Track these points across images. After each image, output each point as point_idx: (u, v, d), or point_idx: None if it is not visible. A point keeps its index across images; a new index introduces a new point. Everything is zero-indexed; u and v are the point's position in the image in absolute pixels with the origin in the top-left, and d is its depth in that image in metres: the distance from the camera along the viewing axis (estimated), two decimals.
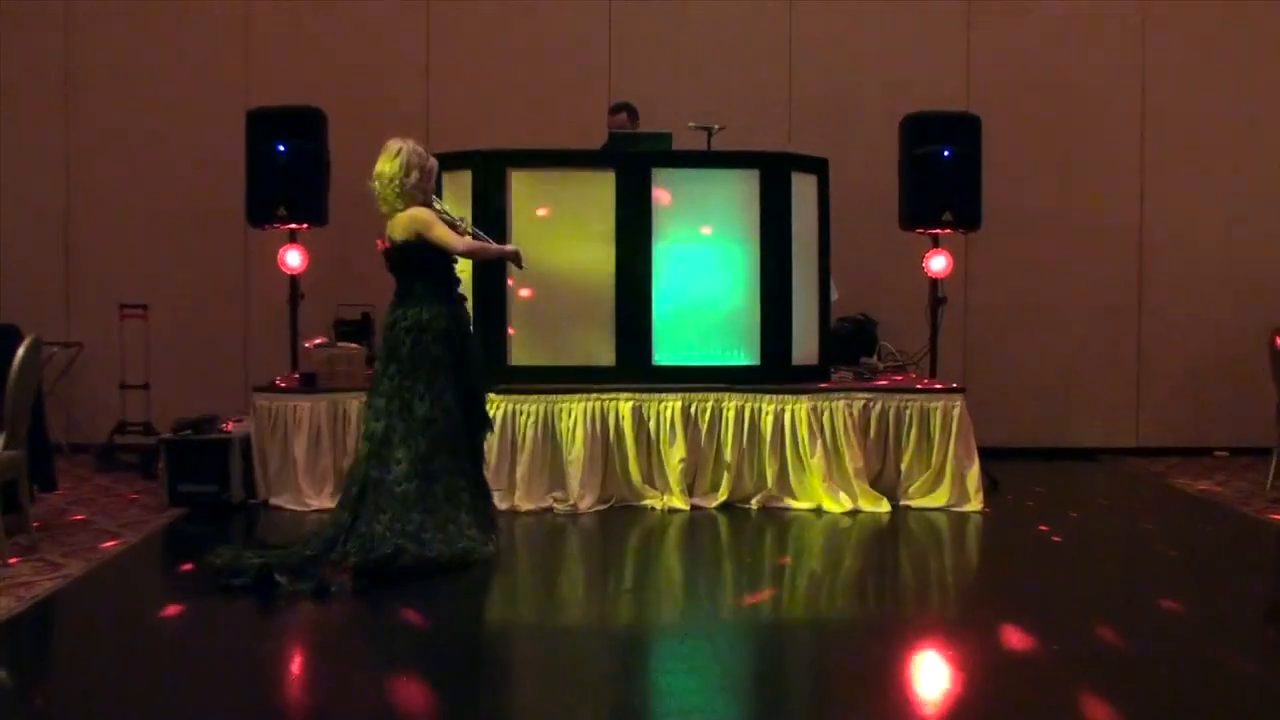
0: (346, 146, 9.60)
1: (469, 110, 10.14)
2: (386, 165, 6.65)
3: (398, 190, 6.63)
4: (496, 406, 7.79)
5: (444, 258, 6.65)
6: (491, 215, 8.02)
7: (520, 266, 7.02)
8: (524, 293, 8.16)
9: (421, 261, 6.62)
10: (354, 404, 7.95)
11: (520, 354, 8.17)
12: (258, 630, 5.54)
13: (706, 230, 8.33)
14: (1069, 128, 10.29)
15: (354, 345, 8.68)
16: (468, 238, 6.86)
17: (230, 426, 8.27)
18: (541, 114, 10.14)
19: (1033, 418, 10.28)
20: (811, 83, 10.29)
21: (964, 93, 10.15)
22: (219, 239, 10.06)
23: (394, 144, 6.70)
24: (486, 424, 6.94)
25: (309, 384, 8.17)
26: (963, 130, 8.93)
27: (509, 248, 7.01)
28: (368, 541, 6.28)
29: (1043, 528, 7.58)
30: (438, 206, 6.84)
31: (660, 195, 8.21)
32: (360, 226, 9.89)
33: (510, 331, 8.16)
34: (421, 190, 6.69)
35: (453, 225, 6.78)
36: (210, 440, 8.02)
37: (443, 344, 6.57)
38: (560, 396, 7.96)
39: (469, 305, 6.92)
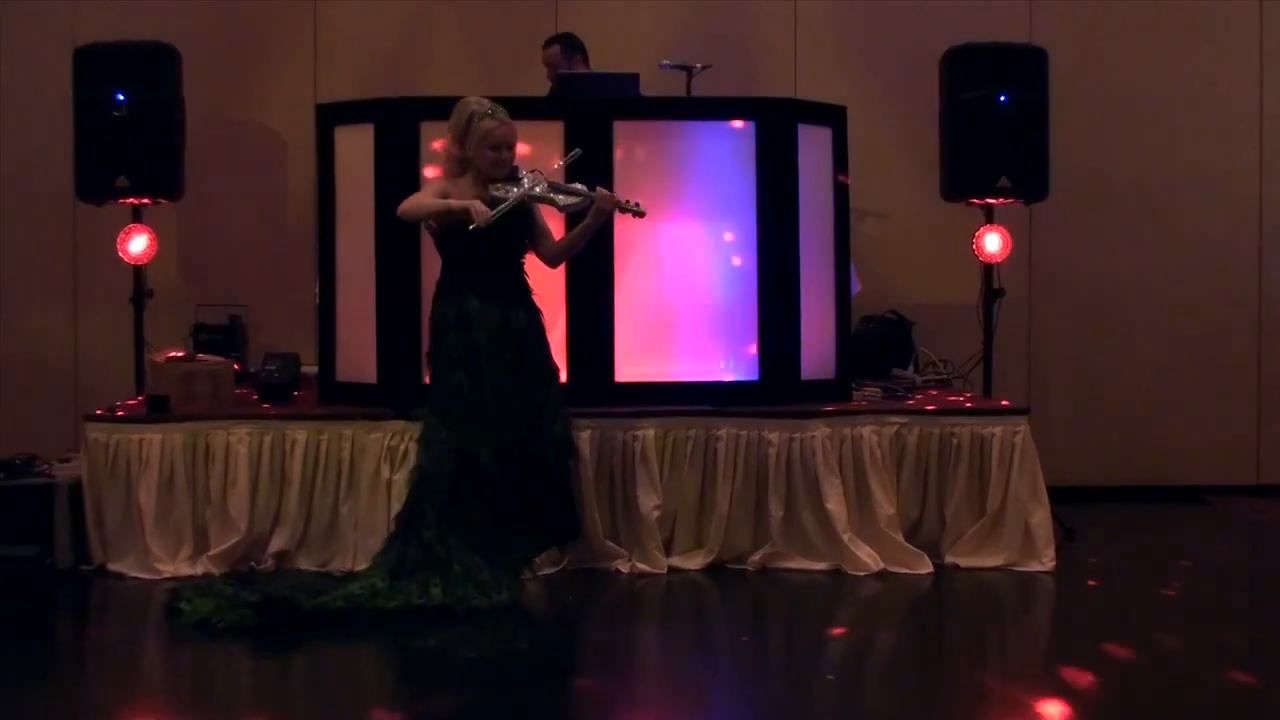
0: (207, 95, 9.51)
1: (371, 47, 10.07)
2: None
3: (442, 163, 7.42)
4: (408, 440, 7.75)
5: (451, 241, 7.19)
6: (401, 184, 7.95)
7: (472, 224, 7.08)
8: None
9: (438, 246, 7.36)
10: (219, 436, 7.88)
11: None
12: None
13: (686, 202, 8.27)
14: (1163, 65, 10.27)
15: (219, 358, 8.60)
16: (445, 202, 7.18)
17: (55, 469, 8.16)
18: (468, 52, 10.09)
19: (1118, 447, 10.25)
20: (824, 7, 10.25)
21: (1025, 20, 10.13)
22: (37, 219, 9.97)
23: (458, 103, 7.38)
24: (490, 454, 7.18)
25: (159, 410, 8.08)
26: (1024, 68, 8.91)
27: (454, 202, 7.16)
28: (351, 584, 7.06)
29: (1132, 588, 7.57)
30: (507, 182, 7.22)
31: (623, 155, 8.16)
32: (227, 201, 9.93)
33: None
34: (457, 160, 7.28)
35: (519, 206, 7.19)
36: (27, 486, 7.92)
37: (436, 345, 7.26)
38: None
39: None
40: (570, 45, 9.44)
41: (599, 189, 7.38)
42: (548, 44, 9.50)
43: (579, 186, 7.35)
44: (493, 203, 7.10)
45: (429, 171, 7.96)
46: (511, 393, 7.23)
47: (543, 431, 7.34)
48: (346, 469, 7.89)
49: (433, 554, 7.02)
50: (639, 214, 7.42)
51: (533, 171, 7.33)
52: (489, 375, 7.16)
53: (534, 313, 7.37)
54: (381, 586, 6.94)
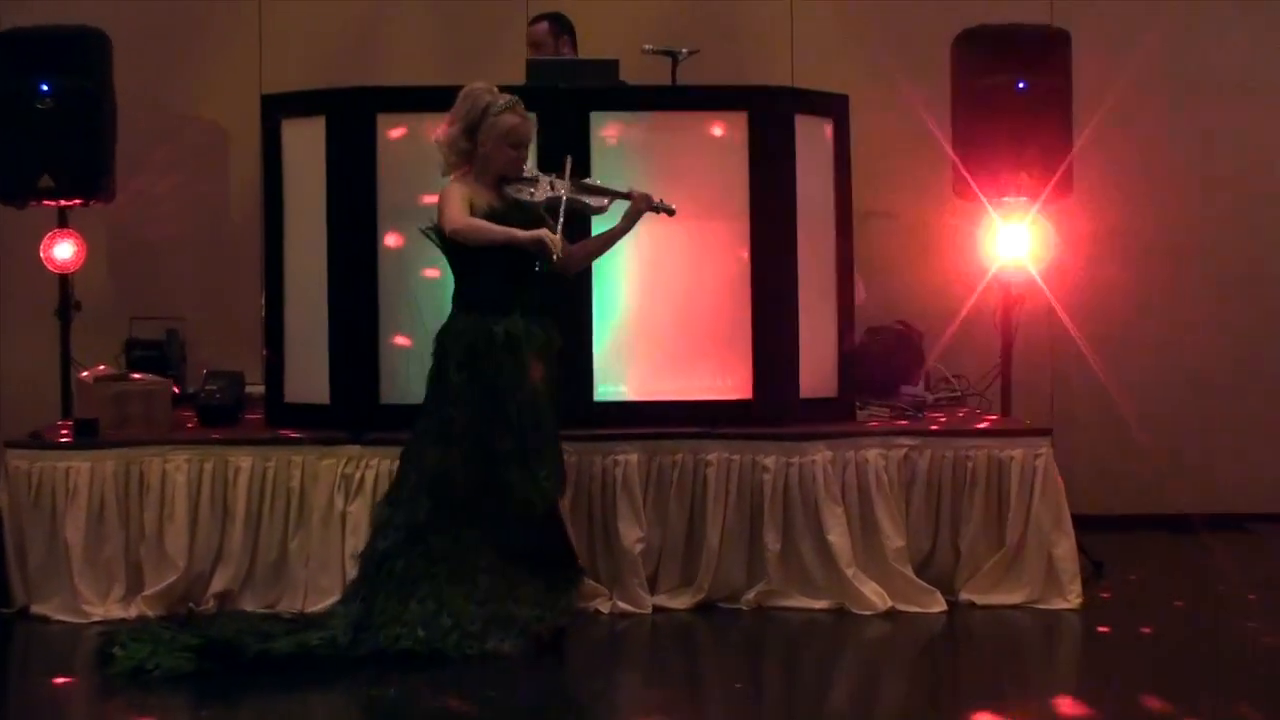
0: (141, 85, 9.50)
1: (322, 32, 10.08)
2: None
3: (441, 153, 7.25)
4: (364, 467, 7.81)
5: (480, 251, 7.11)
6: (355, 182, 8.02)
7: (552, 258, 7.08)
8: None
9: (453, 256, 7.26)
10: (155, 464, 7.86)
11: (403, 387, 8.08)
12: None
13: (671, 202, 8.23)
14: (1200, 44, 10.28)
15: (154, 377, 8.59)
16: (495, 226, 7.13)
17: None
18: (428, 37, 10.09)
19: (1151, 471, 10.22)
20: None
21: None
22: None
23: (463, 90, 7.29)
24: (552, 484, 7.21)
25: (88, 434, 8.06)
26: (1044, 52, 8.94)
27: (520, 235, 7.09)
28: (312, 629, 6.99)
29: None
30: (524, 183, 7.24)
31: (601, 150, 8.17)
32: (163, 202, 9.90)
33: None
34: (462, 153, 7.21)
35: (550, 209, 7.21)
36: None
37: (466, 370, 7.10)
38: None
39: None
40: (559, 24, 9.42)
41: (632, 189, 7.44)
42: (534, 21, 9.48)
43: (601, 184, 7.37)
44: (512, 205, 7.16)
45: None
46: (555, 418, 7.28)
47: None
48: (296, 499, 7.88)
49: (408, 608, 6.94)
50: (671, 213, 7.53)
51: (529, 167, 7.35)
52: (547, 399, 7.19)
53: None
54: (343, 641, 6.85)
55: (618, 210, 7.48)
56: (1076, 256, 10.18)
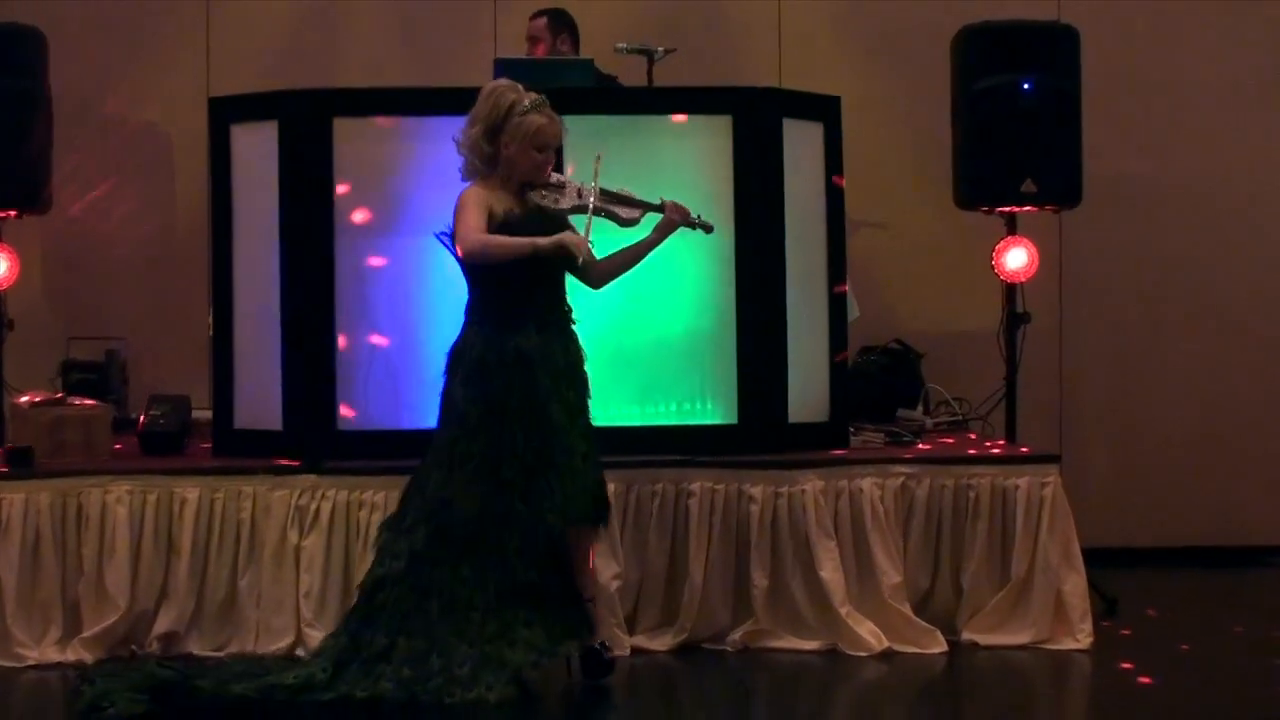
0: (79, 87, 9.48)
1: (274, 30, 10.09)
2: None
3: (462, 156, 7.21)
4: (320, 499, 7.80)
5: (503, 264, 7.05)
6: (310, 192, 8.01)
7: (577, 262, 7.11)
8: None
9: (468, 266, 7.16)
10: (94, 495, 7.81)
11: (360, 413, 8.11)
12: None
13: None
14: (1218, 41, 10.28)
15: (93, 402, 8.56)
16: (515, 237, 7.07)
17: None
18: (389, 35, 10.10)
19: (1166, 501, 10.24)
20: None
21: None
22: None
23: (485, 88, 7.26)
24: (558, 517, 7.08)
25: (22, 463, 8.02)
26: (1051, 50, 8.93)
27: (544, 241, 7.05)
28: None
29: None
30: (549, 189, 7.21)
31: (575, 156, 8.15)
32: (102, 213, 9.86)
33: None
34: (486, 157, 7.13)
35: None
36: None
37: (475, 387, 7.03)
38: None
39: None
40: (558, 20, 9.46)
41: (665, 200, 7.42)
42: (534, 16, 9.52)
43: (632, 194, 7.35)
44: (533, 213, 7.13)
45: (342, 189, 8.01)
46: (580, 441, 7.21)
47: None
48: (246, 533, 7.83)
49: (396, 645, 6.90)
50: (709, 229, 7.54)
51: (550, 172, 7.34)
52: (564, 423, 7.10)
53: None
54: (321, 678, 6.81)
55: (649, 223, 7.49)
56: (1086, 269, 10.20)
